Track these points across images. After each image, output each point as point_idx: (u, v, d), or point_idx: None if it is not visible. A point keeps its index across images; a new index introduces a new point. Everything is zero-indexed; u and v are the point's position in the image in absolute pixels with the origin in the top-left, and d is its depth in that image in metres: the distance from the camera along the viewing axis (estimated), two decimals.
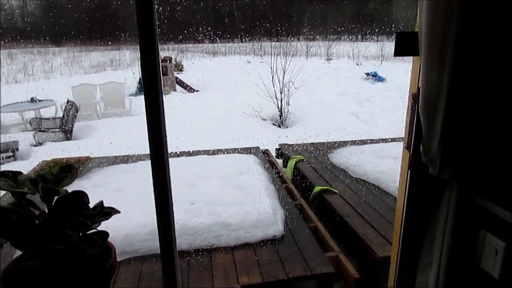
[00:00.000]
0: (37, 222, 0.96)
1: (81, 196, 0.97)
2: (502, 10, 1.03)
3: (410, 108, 1.30)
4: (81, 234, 0.96)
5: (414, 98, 1.25)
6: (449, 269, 1.27)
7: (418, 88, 1.18)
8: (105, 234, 0.97)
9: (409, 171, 1.32)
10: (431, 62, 1.10)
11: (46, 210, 1.00)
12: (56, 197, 1.00)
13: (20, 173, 1.02)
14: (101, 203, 1.03)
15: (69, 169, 1.03)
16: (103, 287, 1.00)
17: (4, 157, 6.32)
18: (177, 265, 1.37)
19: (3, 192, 3.88)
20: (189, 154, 5.34)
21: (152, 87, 1.16)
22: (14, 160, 6.37)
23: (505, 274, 1.17)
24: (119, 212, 1.02)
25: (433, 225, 1.33)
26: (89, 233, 0.97)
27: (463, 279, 1.30)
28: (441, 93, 1.11)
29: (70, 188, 3.31)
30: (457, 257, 1.28)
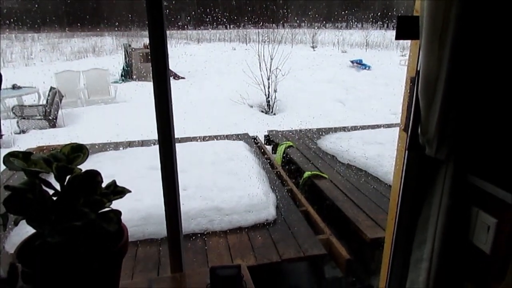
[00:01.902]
0: (51, 201, 0.97)
1: (95, 175, 0.99)
2: None
3: (408, 90, 1.34)
4: (96, 212, 0.98)
5: (412, 81, 1.30)
6: (443, 246, 1.34)
7: (417, 71, 1.22)
8: (119, 212, 0.99)
9: (406, 152, 1.37)
10: (431, 46, 1.14)
11: (59, 189, 1.01)
12: (69, 176, 1.01)
13: (31, 153, 1.03)
14: (114, 182, 1.05)
15: (81, 149, 1.04)
16: (118, 263, 1.03)
17: None
18: (183, 246, 1.41)
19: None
20: (178, 141, 5.33)
21: (160, 76, 1.19)
22: None
23: (496, 250, 1.24)
24: (130, 191, 1.04)
25: (428, 203, 1.39)
26: (103, 211, 0.99)
27: (456, 255, 1.37)
28: (440, 76, 1.15)
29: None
30: (451, 233, 1.34)
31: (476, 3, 1.06)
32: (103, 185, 1.08)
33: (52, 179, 1.03)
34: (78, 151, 1.05)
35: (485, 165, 1.27)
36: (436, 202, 1.35)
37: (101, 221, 0.93)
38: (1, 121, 7.60)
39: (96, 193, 0.98)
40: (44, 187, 1.02)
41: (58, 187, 1.02)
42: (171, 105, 1.25)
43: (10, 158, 1.01)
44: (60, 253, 0.93)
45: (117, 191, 1.02)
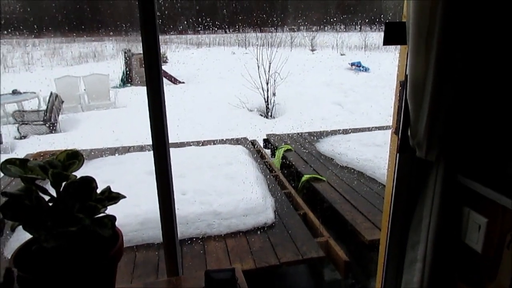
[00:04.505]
0: (47, 206, 1.00)
1: (90, 181, 1.01)
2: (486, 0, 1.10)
3: (398, 94, 1.37)
4: (91, 217, 1.00)
5: (402, 85, 1.32)
6: (436, 246, 1.36)
7: (406, 76, 1.25)
8: (113, 218, 1.01)
9: (397, 154, 1.39)
10: (418, 50, 1.17)
11: (55, 195, 1.04)
12: (64, 183, 1.03)
13: (27, 160, 1.05)
14: (108, 188, 1.07)
15: (76, 155, 1.06)
16: (113, 267, 1.05)
17: None
18: (179, 251, 1.43)
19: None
20: (177, 145, 5.35)
21: (154, 80, 1.21)
22: None
23: (487, 249, 1.26)
24: (125, 197, 1.06)
25: (420, 205, 1.41)
26: (98, 216, 1.01)
27: (449, 255, 1.39)
28: (427, 80, 1.18)
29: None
30: (444, 234, 1.36)
31: (461, 7, 1.08)
32: (100, 190, 1.10)
33: (48, 186, 1.05)
34: (74, 158, 1.07)
35: (475, 166, 1.30)
36: (428, 203, 1.37)
37: (96, 227, 0.95)
38: (3, 127, 7.63)
39: (91, 199, 1.00)
40: (40, 194, 1.04)
41: (54, 193, 1.05)
42: (165, 110, 1.27)
43: (7, 165, 1.03)
44: (56, 258, 0.95)
45: (111, 197, 1.04)
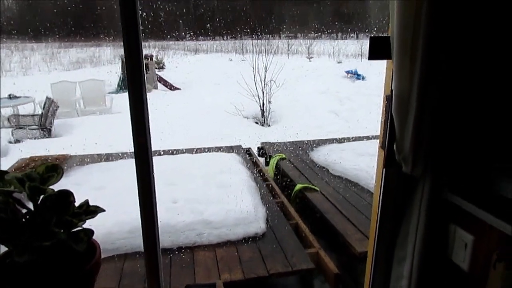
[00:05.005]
0: (24, 220, 0.98)
1: (67, 195, 0.99)
2: (469, 15, 1.10)
3: (384, 109, 1.36)
4: (67, 231, 0.99)
5: (388, 99, 1.32)
6: (422, 263, 1.34)
7: (391, 90, 1.24)
8: (90, 232, 1.00)
9: (383, 169, 1.38)
10: (402, 65, 1.16)
11: (32, 209, 1.02)
12: (42, 196, 1.02)
13: (6, 172, 1.03)
14: (86, 201, 1.05)
15: (55, 168, 1.05)
16: (89, 283, 1.02)
17: None
18: (161, 262, 1.40)
19: None
20: (171, 153, 5.33)
21: (136, 85, 1.18)
22: None
23: (473, 267, 1.25)
24: (104, 210, 1.05)
25: (407, 220, 1.40)
26: (75, 230, 0.99)
27: (435, 272, 1.38)
28: (412, 95, 1.17)
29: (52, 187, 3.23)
30: (430, 251, 1.35)
31: (444, 21, 1.08)
32: (78, 203, 1.09)
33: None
34: (53, 170, 1.06)
35: (462, 183, 1.29)
36: (414, 219, 1.36)
37: (71, 241, 0.93)
38: None
39: (68, 213, 0.99)
40: (18, 207, 1.02)
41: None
42: (148, 116, 1.24)
43: None
44: (29, 272, 0.93)
45: (89, 210, 1.03)
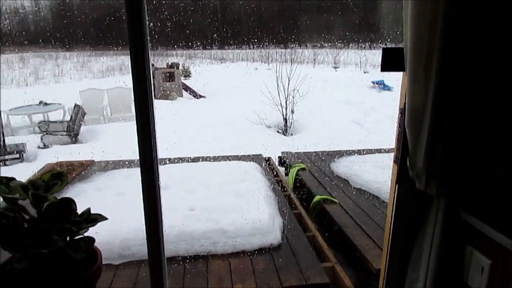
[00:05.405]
0: (26, 226, 0.99)
1: (69, 203, 1.00)
2: (485, 27, 1.05)
3: (398, 122, 1.31)
4: (68, 239, 0.99)
5: (402, 112, 1.27)
6: (436, 285, 1.28)
7: (405, 103, 1.20)
8: (91, 240, 1.00)
9: (396, 185, 1.33)
10: (417, 77, 1.11)
11: (36, 216, 1.03)
12: (46, 203, 1.03)
13: (13, 179, 1.05)
14: (88, 210, 1.06)
15: (60, 176, 1.06)
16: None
17: (12, 159, 6.42)
18: (165, 270, 1.39)
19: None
20: (191, 160, 5.37)
21: (142, 94, 1.19)
22: (21, 161, 6.47)
23: None
24: (106, 219, 1.05)
25: (420, 240, 1.33)
26: (76, 238, 0.99)
27: None
28: (426, 109, 1.12)
29: (72, 191, 3.33)
30: (444, 273, 1.28)
31: (459, 34, 1.03)
32: (81, 211, 1.09)
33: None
34: (57, 178, 1.07)
35: (478, 203, 1.22)
36: (429, 239, 1.29)
37: (69, 249, 0.93)
38: (28, 136, 7.90)
39: (69, 221, 0.99)
40: (23, 214, 1.04)
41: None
42: (154, 125, 1.24)
43: None
44: (29, 278, 0.93)
45: (90, 219, 1.03)
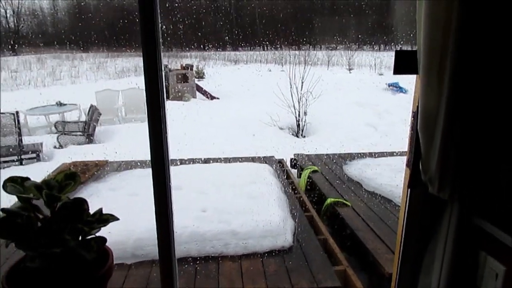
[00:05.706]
0: (39, 226, 1.01)
1: (81, 203, 1.01)
2: (498, 30, 1.03)
3: (411, 126, 1.30)
4: (80, 238, 1.00)
5: (414, 116, 1.25)
6: None
7: (417, 106, 1.18)
8: (102, 240, 1.01)
9: (408, 189, 1.31)
10: (430, 80, 1.10)
11: (49, 215, 1.05)
12: (59, 203, 1.04)
13: (27, 178, 1.07)
14: (100, 210, 1.07)
15: (73, 177, 1.07)
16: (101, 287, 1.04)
17: (28, 158, 6.55)
18: (176, 270, 1.40)
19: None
20: (203, 161, 5.39)
21: (154, 95, 1.20)
22: (37, 161, 6.59)
23: None
24: (118, 219, 1.06)
25: (433, 245, 1.31)
26: (87, 238, 1.01)
27: None
28: (439, 113, 1.10)
29: (86, 191, 3.38)
30: (457, 278, 1.26)
31: (472, 37, 1.01)
32: (93, 211, 1.11)
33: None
34: (71, 178, 1.09)
35: (492, 208, 1.19)
36: (441, 245, 1.27)
37: (80, 249, 0.95)
38: (45, 136, 8.06)
39: (82, 221, 1.01)
40: (37, 213, 1.06)
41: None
42: (165, 126, 1.25)
43: (9, 183, 1.06)
44: (41, 277, 0.95)
45: (102, 219, 1.05)
